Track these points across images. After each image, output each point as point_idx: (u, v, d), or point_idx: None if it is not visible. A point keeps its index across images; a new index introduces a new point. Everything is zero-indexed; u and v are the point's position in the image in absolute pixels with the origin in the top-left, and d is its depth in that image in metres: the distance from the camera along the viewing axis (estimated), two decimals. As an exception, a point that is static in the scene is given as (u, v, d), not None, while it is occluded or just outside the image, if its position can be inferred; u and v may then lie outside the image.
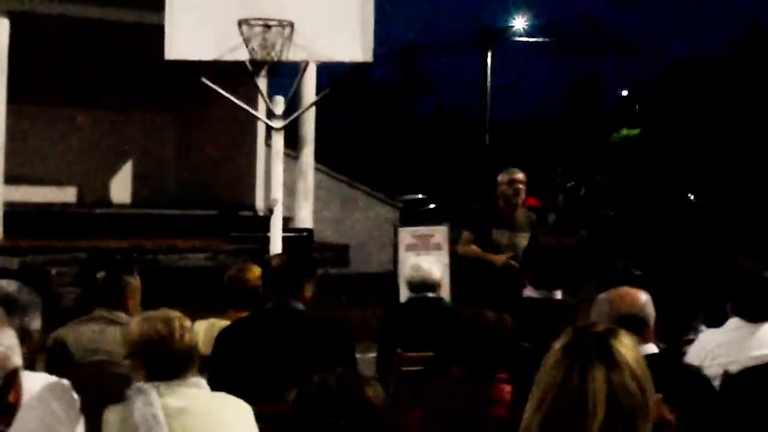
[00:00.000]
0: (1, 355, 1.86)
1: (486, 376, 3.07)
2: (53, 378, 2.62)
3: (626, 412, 1.85)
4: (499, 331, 3.14)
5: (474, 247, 6.47)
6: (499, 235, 6.45)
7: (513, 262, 6.13)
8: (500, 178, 6.57)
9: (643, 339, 3.06)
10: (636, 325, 3.05)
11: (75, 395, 2.81)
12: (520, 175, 6.54)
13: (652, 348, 3.16)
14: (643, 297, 3.17)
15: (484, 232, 6.48)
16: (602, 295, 3.17)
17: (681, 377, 3.08)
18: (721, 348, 3.72)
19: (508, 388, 3.04)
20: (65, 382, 2.70)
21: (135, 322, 3.13)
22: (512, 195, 6.50)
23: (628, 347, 1.92)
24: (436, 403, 3.08)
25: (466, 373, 3.09)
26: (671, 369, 3.14)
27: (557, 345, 1.93)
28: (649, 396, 1.89)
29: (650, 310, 3.15)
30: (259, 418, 3.08)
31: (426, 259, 5.55)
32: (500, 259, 6.30)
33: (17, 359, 1.91)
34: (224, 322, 4.43)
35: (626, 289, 3.17)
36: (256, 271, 4.64)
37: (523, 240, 6.23)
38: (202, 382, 3.02)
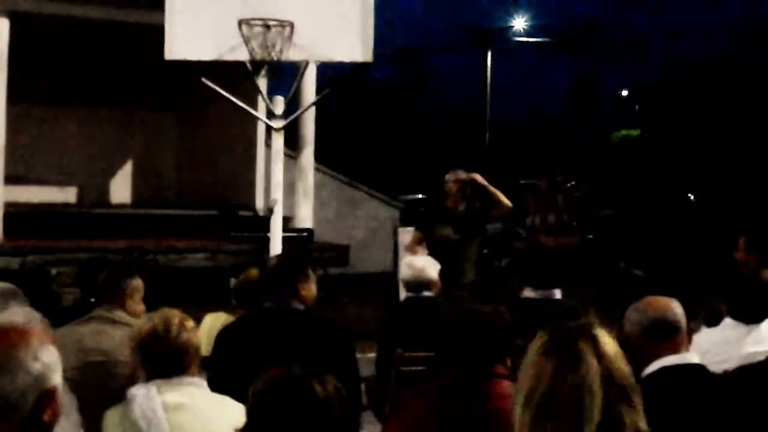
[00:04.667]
0: (37, 374, 1.79)
1: (485, 371, 3.06)
2: None
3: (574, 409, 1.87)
4: (496, 326, 3.14)
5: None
6: (444, 230, 7.12)
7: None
8: (447, 177, 7.39)
9: (675, 345, 3.00)
10: (666, 330, 3.00)
11: (74, 398, 2.82)
12: (464, 176, 7.35)
13: (692, 357, 3.04)
14: (673, 303, 3.10)
15: (431, 229, 7.18)
16: (632, 305, 3.12)
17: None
18: (716, 347, 3.73)
19: (507, 382, 3.04)
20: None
21: (140, 321, 3.15)
22: (456, 192, 7.28)
23: (591, 347, 1.93)
24: (436, 401, 3.08)
25: (465, 370, 3.09)
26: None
27: (534, 344, 1.96)
28: (596, 400, 1.89)
29: (681, 317, 3.06)
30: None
31: (420, 258, 5.55)
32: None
33: (57, 378, 1.83)
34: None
35: (655, 297, 3.13)
36: None
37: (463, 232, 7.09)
38: (202, 382, 3.03)
